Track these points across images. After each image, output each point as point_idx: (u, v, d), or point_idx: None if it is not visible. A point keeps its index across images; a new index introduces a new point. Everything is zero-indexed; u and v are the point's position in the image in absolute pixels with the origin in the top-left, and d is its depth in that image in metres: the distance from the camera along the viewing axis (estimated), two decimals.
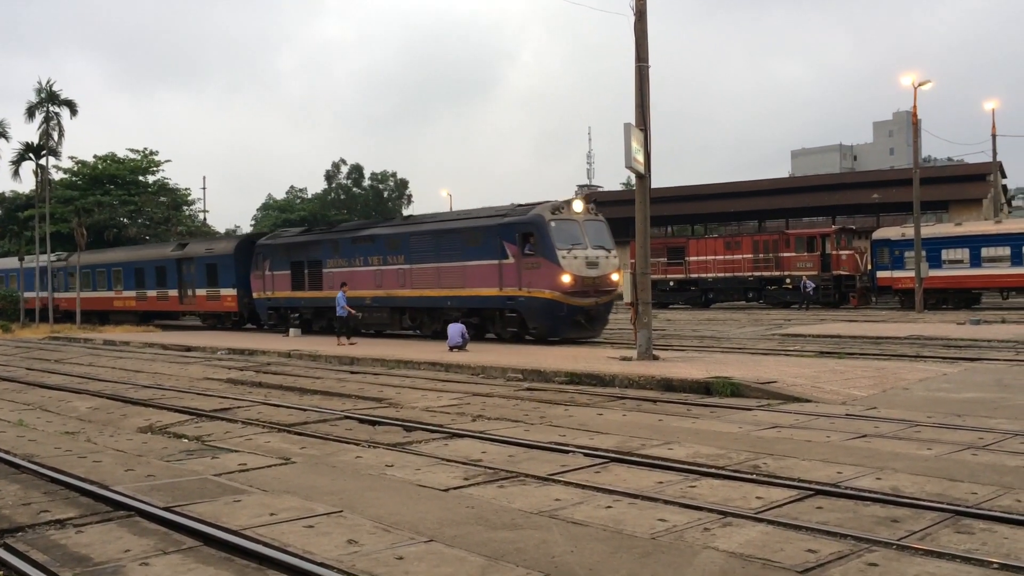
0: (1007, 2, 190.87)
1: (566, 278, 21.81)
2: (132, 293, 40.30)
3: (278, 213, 78.74)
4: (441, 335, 23.62)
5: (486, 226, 23.80)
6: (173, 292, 37.46)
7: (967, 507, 6.35)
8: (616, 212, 42.95)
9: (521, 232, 22.67)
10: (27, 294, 47.36)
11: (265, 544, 5.71)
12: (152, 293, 38.90)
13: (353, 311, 25.08)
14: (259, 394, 14.95)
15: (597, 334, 23.61)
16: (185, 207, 67.67)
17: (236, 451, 9.42)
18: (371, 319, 27.24)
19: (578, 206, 23.45)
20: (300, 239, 31.14)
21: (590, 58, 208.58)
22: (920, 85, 38.00)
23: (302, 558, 5.39)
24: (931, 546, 5.49)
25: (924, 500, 6.59)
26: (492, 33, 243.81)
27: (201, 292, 35.73)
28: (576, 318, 22.32)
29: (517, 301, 22.70)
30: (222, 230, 74.11)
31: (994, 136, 47.51)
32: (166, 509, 6.67)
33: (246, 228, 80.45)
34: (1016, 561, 5.14)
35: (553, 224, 22.31)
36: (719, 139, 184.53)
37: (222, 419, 11.87)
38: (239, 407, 12.99)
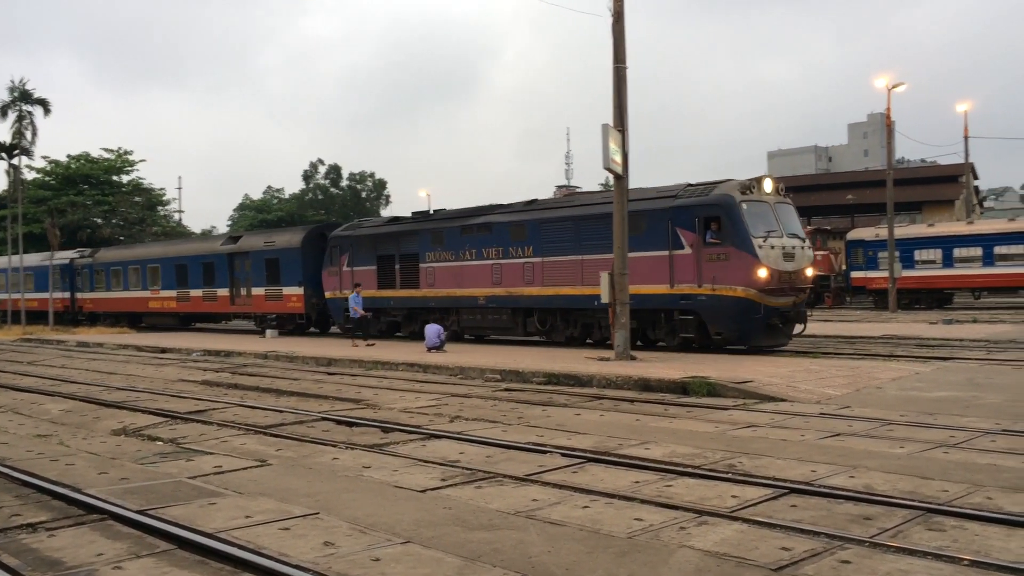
0: (981, 9, 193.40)
1: (763, 272, 18.16)
2: (171, 292, 35.92)
3: (254, 213, 78.19)
4: (577, 341, 21.58)
5: (651, 210, 19.71)
6: (223, 291, 33.23)
7: (938, 505, 6.42)
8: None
9: (703, 216, 18.78)
10: (31, 295, 44.28)
11: (240, 547, 5.68)
12: (197, 292, 34.54)
13: (365, 313, 24.49)
14: (235, 396, 14.85)
15: (788, 340, 19.62)
16: (160, 207, 67.10)
17: (211, 453, 9.36)
18: (484, 322, 23.93)
19: (768, 185, 19.55)
20: (390, 229, 26.86)
21: (573, 58, 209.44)
22: (894, 87, 38.42)
23: (278, 560, 5.37)
24: (903, 543, 5.55)
25: (896, 498, 6.66)
26: (477, 32, 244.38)
27: (259, 291, 31.54)
28: (772, 321, 18.66)
29: (696, 300, 18.87)
30: (197, 230, 73.59)
31: (967, 138, 48.16)
32: (140, 512, 6.62)
33: (222, 228, 79.84)
34: (986, 558, 5.21)
35: (745, 206, 18.64)
36: (704, 138, 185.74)
37: (197, 421, 11.78)
38: (214, 409, 12.90)
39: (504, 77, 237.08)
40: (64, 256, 43.45)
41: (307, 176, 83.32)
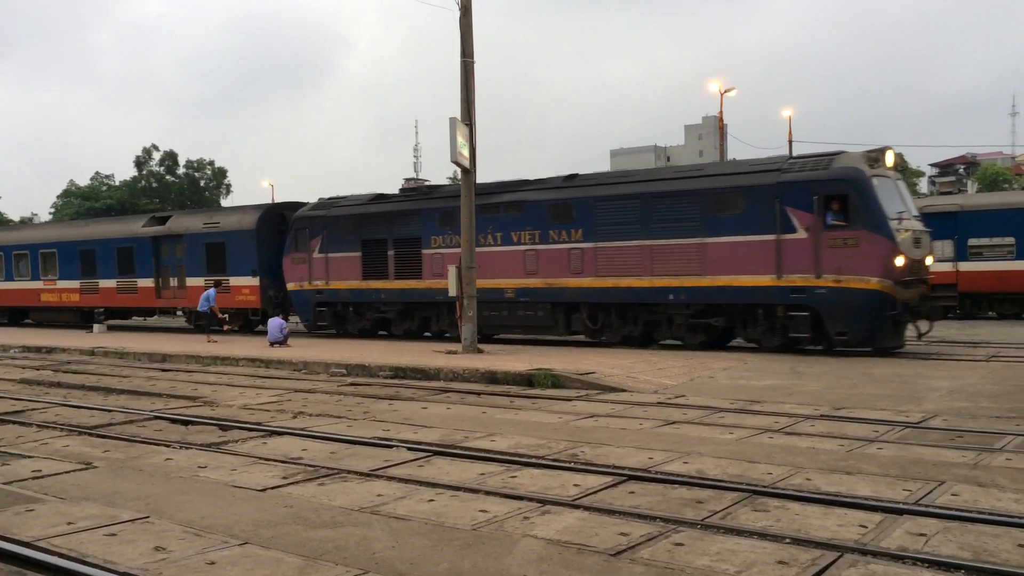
0: (809, 24, 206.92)
1: (900, 261, 15.78)
2: (72, 283, 30.70)
3: (81, 201, 73.43)
4: (636, 341, 18.64)
5: (750, 187, 17.00)
6: (146, 282, 28.37)
7: (763, 487, 6.81)
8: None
9: (824, 194, 16.06)
10: None
11: (61, 555, 5.31)
12: (108, 283, 29.43)
13: (217, 310, 23.19)
14: (57, 395, 13.91)
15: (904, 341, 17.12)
16: None
17: (30, 456, 8.71)
18: (512, 319, 20.25)
19: (890, 158, 17.02)
20: (382, 208, 22.78)
21: (424, 50, 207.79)
22: (726, 92, 40.44)
23: (103, 568, 5.06)
24: (731, 524, 5.86)
25: (726, 482, 7.02)
26: (327, 19, 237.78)
27: (196, 282, 26.55)
28: (902, 318, 16.34)
29: (812, 294, 16.21)
30: (16, 218, 68.41)
31: (791, 141, 51.29)
32: None
33: (45, 216, 74.55)
34: (805, 536, 5.57)
35: (875, 182, 16.10)
36: (550, 135, 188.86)
37: (14, 423, 10.94)
38: (34, 409, 12.03)
39: (355, 67, 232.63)
40: None
41: (140, 163, 79.02)
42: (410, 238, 21.81)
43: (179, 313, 30.22)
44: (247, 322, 26.30)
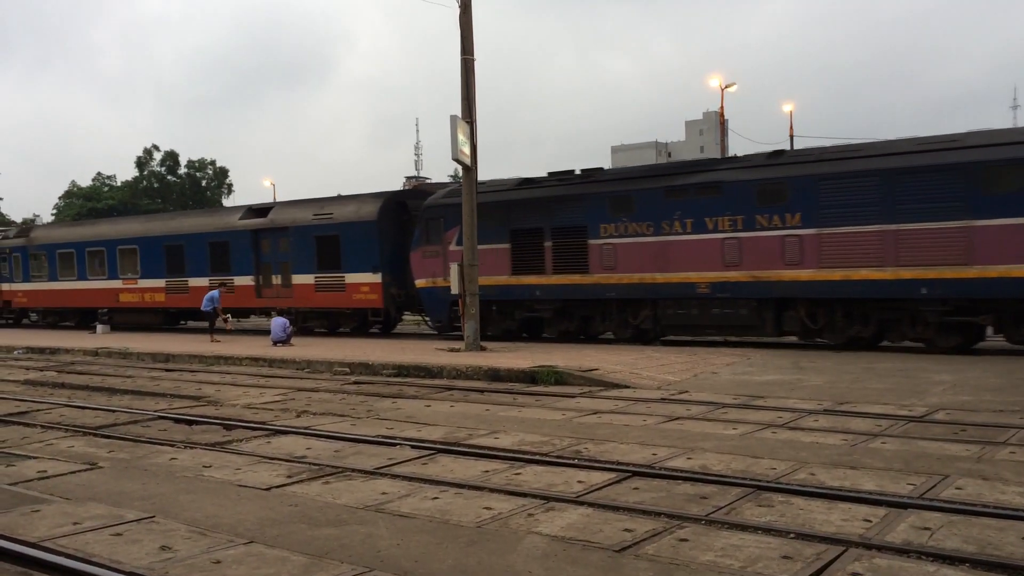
0: (808, 20, 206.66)
1: None
2: (156, 282, 28.07)
3: (83, 202, 73.52)
4: (866, 344, 16.64)
5: None
6: (245, 280, 25.68)
7: (767, 482, 6.82)
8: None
9: None
10: None
11: (67, 555, 5.33)
12: (199, 281, 26.44)
13: (221, 312, 22.99)
14: (62, 395, 13.93)
15: None
16: None
17: (35, 457, 8.73)
18: (704, 318, 17.83)
19: None
20: (536, 193, 20.10)
21: (426, 48, 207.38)
22: (727, 87, 40.41)
23: (109, 568, 5.07)
24: (736, 519, 5.86)
25: (730, 477, 7.03)
26: (328, 18, 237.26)
27: (304, 279, 24.24)
28: None
29: None
30: (18, 219, 68.52)
31: (791, 136, 51.24)
32: None
33: (47, 217, 74.65)
34: (809, 530, 5.57)
35: None
36: (550, 132, 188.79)
37: (18, 423, 10.96)
38: (39, 410, 12.05)
39: (356, 65, 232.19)
40: None
41: (141, 163, 79.13)
42: (572, 227, 19.27)
43: (273, 313, 28.24)
44: (364, 323, 24.00)
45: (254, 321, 29.49)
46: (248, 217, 26.10)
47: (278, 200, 26.55)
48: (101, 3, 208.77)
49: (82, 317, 31.55)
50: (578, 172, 20.32)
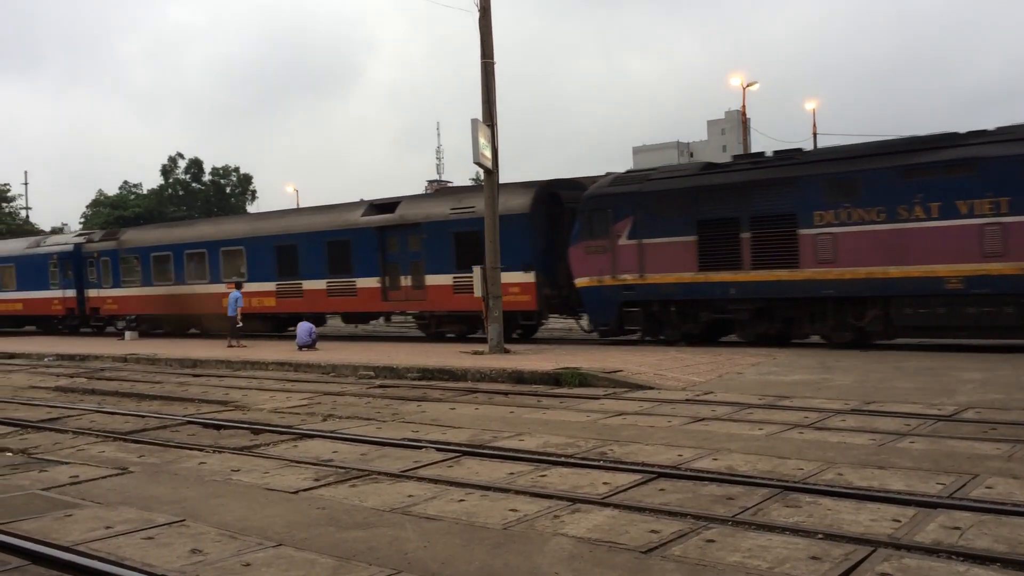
0: (831, 17, 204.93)
1: None
2: (266, 285, 26.18)
3: (110, 210, 74.38)
4: None
5: None
6: (369, 282, 23.63)
7: (794, 482, 6.79)
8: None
9: None
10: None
11: (100, 559, 5.41)
12: (316, 284, 24.93)
13: (237, 316, 22.90)
14: (92, 401, 14.11)
15: None
16: (5, 203, 62.92)
17: (67, 463, 8.86)
18: (953, 318, 15.58)
19: None
20: (731, 178, 18.02)
21: (449, 52, 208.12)
22: (748, 86, 40.26)
23: (141, 571, 5.14)
24: (763, 520, 5.84)
25: (756, 477, 7.00)
26: (353, 24, 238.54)
27: (439, 280, 22.17)
28: None
29: None
30: (47, 228, 69.44)
31: (815, 134, 50.89)
32: None
33: (75, 226, 75.64)
34: (838, 531, 5.54)
35: None
36: (572, 133, 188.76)
37: (50, 430, 11.12)
38: (70, 416, 12.22)
39: (380, 71, 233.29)
40: (61, 241, 34.29)
41: (166, 171, 79.92)
42: (777, 215, 17.00)
43: (395, 316, 26.92)
44: (511, 326, 20.93)
45: (372, 327, 28.44)
46: (372, 213, 23.81)
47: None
48: (131, 16, 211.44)
49: (178, 324, 29.61)
50: (770, 154, 18.35)
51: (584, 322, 20.98)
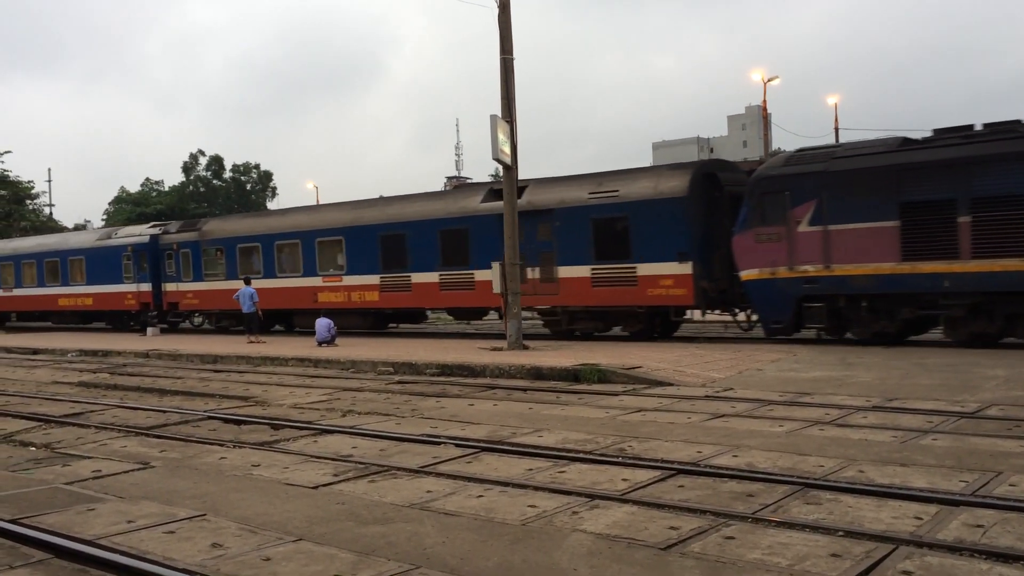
0: (851, 11, 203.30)
1: None
2: (368, 279, 24.08)
3: (132, 207, 75.05)
4: None
5: None
6: (489, 274, 20.48)
7: (815, 479, 6.74)
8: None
9: None
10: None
11: (122, 552, 5.45)
12: (426, 277, 22.90)
13: (256, 311, 23.04)
14: (114, 396, 14.25)
15: None
16: (29, 201, 63.58)
17: (89, 457, 8.95)
18: None
19: None
20: (945, 153, 15.65)
21: (469, 49, 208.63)
22: (769, 81, 40.00)
23: (163, 565, 5.18)
24: (783, 517, 5.81)
25: (776, 474, 6.96)
26: (374, 21, 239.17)
27: (575, 271, 20.09)
28: None
29: None
30: (70, 225, 70.14)
31: (837, 129, 50.52)
32: (12, 521, 6.26)
33: (97, 223, 76.36)
34: (859, 528, 5.50)
35: None
36: (592, 129, 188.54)
37: (73, 424, 11.24)
38: (92, 411, 12.34)
39: (400, 68, 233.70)
40: (135, 232, 32.17)
41: (187, 168, 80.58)
42: (1010, 195, 14.83)
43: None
44: (650, 324, 19.77)
45: (485, 323, 25.62)
46: (493, 199, 21.52)
47: (406, 194, 23.55)
48: (153, 14, 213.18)
49: (268, 320, 27.04)
50: (979, 127, 16.08)
51: (742, 318, 19.23)
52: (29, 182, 63.77)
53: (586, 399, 11.77)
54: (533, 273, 20.76)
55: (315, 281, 25.48)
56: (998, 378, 11.76)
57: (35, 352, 24.30)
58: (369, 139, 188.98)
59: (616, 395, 11.96)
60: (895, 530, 5.42)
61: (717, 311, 19.72)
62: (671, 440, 8.59)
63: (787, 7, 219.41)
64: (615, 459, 7.80)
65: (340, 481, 7.42)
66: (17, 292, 36.09)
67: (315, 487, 7.23)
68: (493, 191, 22.03)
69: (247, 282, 24.45)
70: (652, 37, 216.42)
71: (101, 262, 32.12)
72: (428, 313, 26.40)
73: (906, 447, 7.89)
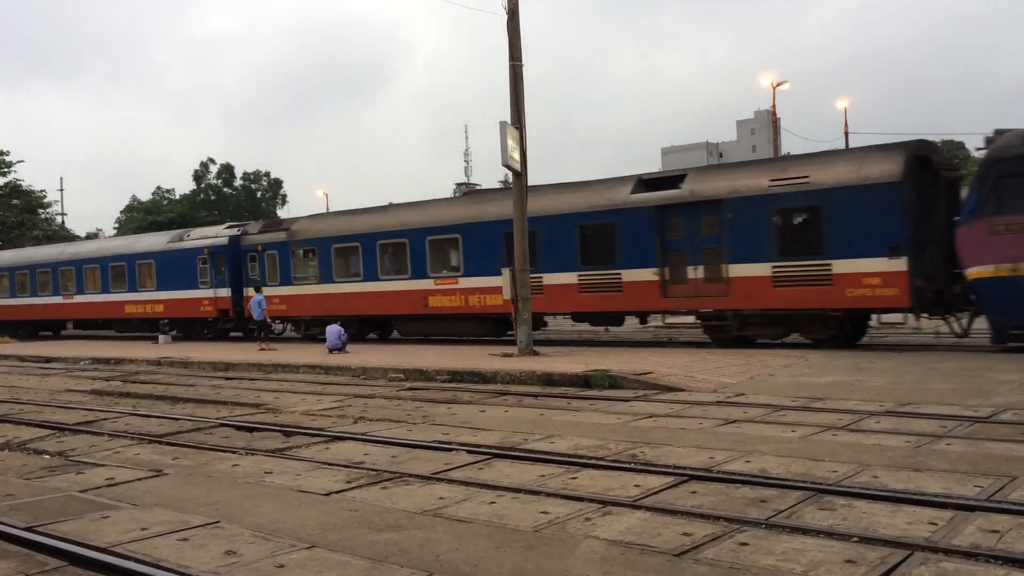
0: (861, 15, 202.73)
1: None
2: (491, 281, 21.30)
3: (143, 215, 75.41)
4: None
5: None
6: (640, 273, 19.35)
7: (829, 485, 6.71)
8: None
9: None
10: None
11: (136, 560, 5.47)
12: (560, 278, 20.67)
13: (266, 318, 23.19)
14: (127, 404, 14.30)
15: None
16: (41, 210, 63.99)
17: (103, 465, 8.98)
18: None
19: None
20: None
21: (481, 55, 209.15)
22: (778, 85, 39.87)
23: (177, 572, 5.20)
24: (797, 523, 5.78)
25: (789, 480, 6.93)
26: (387, 29, 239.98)
27: (751, 270, 18.03)
28: None
29: None
30: (82, 234, 70.52)
31: (847, 133, 50.34)
32: (27, 529, 6.30)
33: (109, 232, 76.74)
34: (874, 534, 5.47)
35: None
36: (604, 135, 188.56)
37: (87, 432, 11.29)
38: (105, 419, 12.39)
39: (412, 76, 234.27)
40: (211, 234, 30.21)
41: (198, 176, 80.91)
42: None
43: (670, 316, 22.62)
44: (844, 330, 17.69)
45: (629, 330, 22.48)
46: (643, 190, 19.65)
47: (546, 184, 21.42)
48: (169, 22, 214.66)
49: (361, 326, 25.56)
50: None
51: (958, 324, 16.86)
52: (41, 191, 64.23)
53: (597, 405, 11.76)
54: (695, 272, 18.78)
55: (425, 284, 23.26)
56: (1012, 382, 11.69)
57: (48, 360, 24.43)
58: (384, 146, 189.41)
59: (627, 401, 11.94)
60: (910, 536, 5.39)
61: (925, 314, 17.46)
62: (683, 446, 8.57)
63: (802, 11, 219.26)
64: (627, 465, 7.79)
65: (352, 488, 7.43)
66: (78, 299, 34.17)
67: (327, 494, 7.24)
68: (643, 181, 20.08)
69: (257, 289, 24.51)
70: (667, 41, 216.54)
71: (173, 266, 30.17)
72: (547, 319, 23.73)
73: (920, 452, 7.85)
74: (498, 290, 20.58)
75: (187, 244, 30.13)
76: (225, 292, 28.61)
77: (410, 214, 24.71)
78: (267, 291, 26.59)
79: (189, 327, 30.81)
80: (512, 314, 18.37)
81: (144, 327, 32.07)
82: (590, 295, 20.30)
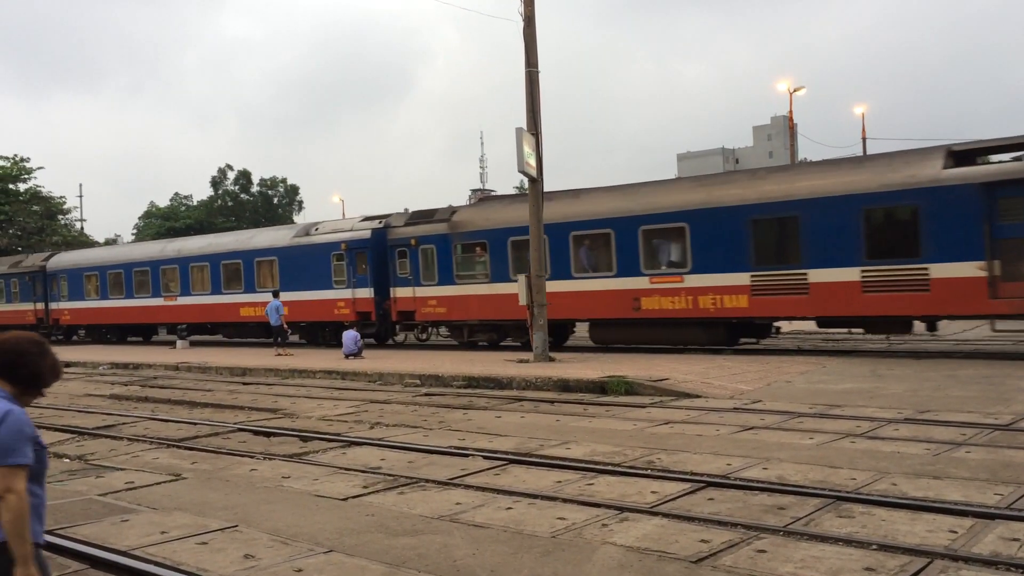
0: (884, 20, 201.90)
1: None
2: (731, 278, 18.08)
3: (161, 221, 75.94)
4: None
5: None
6: (958, 268, 15.57)
7: (847, 492, 6.68)
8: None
9: None
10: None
11: (156, 563, 5.52)
12: (836, 275, 16.88)
13: (283, 324, 23.16)
14: (146, 409, 14.40)
15: None
16: (60, 216, 64.55)
17: (122, 469, 9.06)
18: None
19: None
20: None
21: (498, 62, 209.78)
22: (795, 91, 39.74)
23: None
24: (815, 531, 5.76)
25: (808, 487, 6.90)
26: (407, 36, 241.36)
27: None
28: None
29: None
30: (102, 240, 71.07)
31: (864, 139, 50.12)
32: (48, 532, 6.34)
33: (128, 238, 77.34)
34: (893, 542, 5.44)
35: None
36: (621, 141, 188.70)
37: (106, 436, 11.38)
38: (124, 423, 12.49)
39: (430, 83, 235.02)
40: (346, 227, 26.58)
41: (215, 182, 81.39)
42: None
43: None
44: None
45: (937, 336, 18.88)
46: (954, 164, 16.01)
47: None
48: (189, 29, 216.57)
49: (487, 331, 22.73)
50: None
51: None
52: (61, 197, 64.75)
53: (613, 411, 11.74)
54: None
55: (638, 282, 19.45)
56: None
57: (67, 365, 24.62)
58: (401, 152, 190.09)
59: (643, 407, 11.91)
60: (930, 544, 5.36)
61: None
62: (700, 452, 8.54)
63: (821, 17, 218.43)
64: (644, 471, 7.78)
65: (369, 493, 7.45)
66: (183, 300, 30.75)
67: (345, 499, 7.27)
68: (953, 153, 16.20)
69: (275, 295, 24.57)
70: (686, 47, 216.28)
71: (301, 263, 26.72)
72: (776, 325, 19.82)
73: (939, 460, 7.80)
74: (742, 289, 17.80)
75: (317, 239, 26.67)
76: (364, 292, 25.06)
77: (616, 200, 20.60)
78: (420, 291, 23.63)
79: (313, 333, 27.43)
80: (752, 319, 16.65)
81: (260, 332, 27.76)
82: (880, 295, 16.43)
